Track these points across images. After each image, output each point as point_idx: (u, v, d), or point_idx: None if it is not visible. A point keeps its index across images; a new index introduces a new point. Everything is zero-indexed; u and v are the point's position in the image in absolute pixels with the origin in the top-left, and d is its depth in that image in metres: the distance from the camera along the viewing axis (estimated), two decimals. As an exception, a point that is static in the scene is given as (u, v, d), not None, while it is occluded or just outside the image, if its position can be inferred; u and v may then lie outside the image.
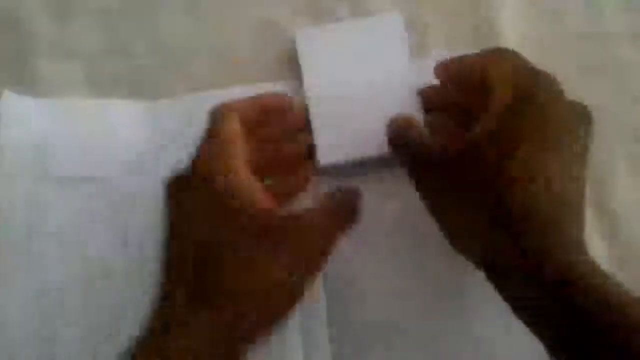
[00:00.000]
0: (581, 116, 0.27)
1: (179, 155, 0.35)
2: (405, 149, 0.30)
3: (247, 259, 0.26)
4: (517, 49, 0.36)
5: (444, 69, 0.32)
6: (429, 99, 0.34)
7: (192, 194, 0.28)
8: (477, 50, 0.36)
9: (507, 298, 0.26)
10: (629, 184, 0.35)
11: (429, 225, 0.28)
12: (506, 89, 0.27)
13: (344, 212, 0.30)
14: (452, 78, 0.32)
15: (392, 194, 0.34)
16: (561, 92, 0.27)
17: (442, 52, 0.36)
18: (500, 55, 0.29)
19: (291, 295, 0.27)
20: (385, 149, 0.33)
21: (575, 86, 0.36)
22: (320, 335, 0.32)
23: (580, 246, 0.25)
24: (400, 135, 0.31)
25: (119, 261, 0.34)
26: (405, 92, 0.34)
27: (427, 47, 0.37)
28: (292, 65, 0.36)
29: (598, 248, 0.34)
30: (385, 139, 0.32)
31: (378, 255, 0.33)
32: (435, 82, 0.33)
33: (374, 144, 0.33)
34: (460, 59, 0.32)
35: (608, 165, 0.35)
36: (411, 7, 0.38)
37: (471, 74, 0.30)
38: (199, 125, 0.36)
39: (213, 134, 0.29)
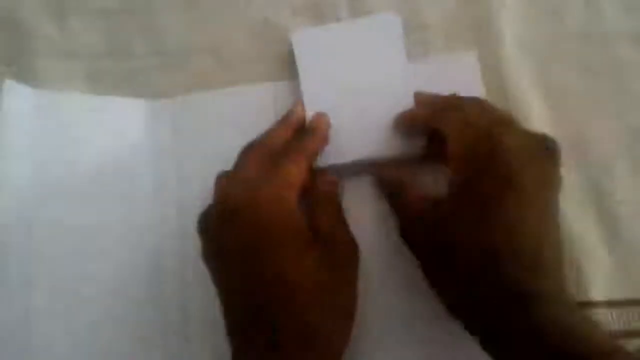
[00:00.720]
0: (540, 147, 0.27)
1: (178, 155, 0.36)
2: (395, 211, 0.32)
3: (312, 290, 0.26)
4: (516, 48, 0.37)
5: (406, 122, 0.33)
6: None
7: (233, 227, 0.27)
8: (476, 50, 0.36)
9: (480, 332, 0.26)
10: (629, 184, 0.35)
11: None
12: (455, 144, 0.27)
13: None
14: (409, 130, 0.33)
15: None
16: (513, 128, 0.27)
17: (441, 55, 0.37)
18: (443, 112, 0.30)
19: (349, 318, 0.28)
20: (380, 152, 0.33)
21: (575, 86, 0.36)
22: None
23: (546, 271, 0.25)
24: (391, 200, 0.33)
25: (115, 256, 0.34)
26: (402, 93, 0.33)
27: (426, 47, 0.37)
28: (292, 66, 0.36)
29: (598, 248, 0.33)
30: (380, 142, 0.32)
31: (373, 254, 0.33)
32: (432, 84, 0.33)
33: (369, 146, 0.33)
34: (412, 113, 0.32)
35: (608, 165, 0.35)
36: (411, 7, 0.38)
37: (424, 127, 0.32)
38: (198, 125, 0.36)
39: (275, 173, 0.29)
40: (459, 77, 0.36)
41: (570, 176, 0.34)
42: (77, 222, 0.34)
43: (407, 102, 0.33)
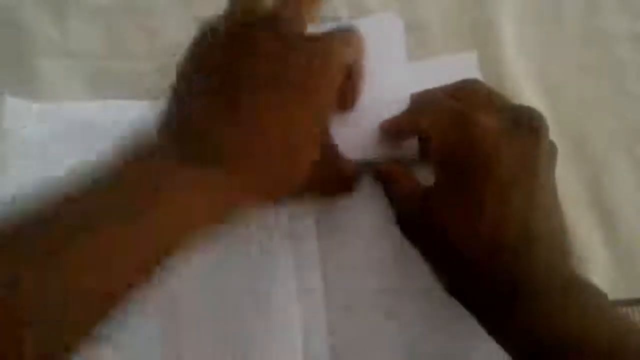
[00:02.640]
0: (519, 125, 0.26)
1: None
2: (390, 201, 0.32)
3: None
4: (516, 49, 0.37)
5: (392, 131, 0.33)
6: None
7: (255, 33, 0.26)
8: (476, 50, 0.37)
9: (481, 316, 0.26)
10: (629, 184, 0.35)
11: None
12: (436, 140, 0.28)
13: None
14: (396, 135, 0.33)
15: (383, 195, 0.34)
16: (491, 109, 0.27)
17: (441, 55, 0.37)
18: (423, 111, 0.30)
19: (314, 144, 0.26)
20: (379, 153, 0.33)
21: (575, 86, 0.36)
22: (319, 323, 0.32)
23: (536, 254, 0.25)
24: (387, 191, 0.33)
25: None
26: (402, 94, 0.33)
27: (426, 48, 0.37)
28: (292, 65, 0.36)
29: (598, 248, 0.34)
30: (379, 143, 0.32)
31: (369, 254, 0.33)
32: (432, 85, 0.33)
33: (368, 147, 0.33)
34: (394, 122, 0.32)
35: (608, 165, 0.35)
36: (411, 7, 0.38)
37: (408, 131, 0.32)
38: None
39: None
40: (459, 77, 0.36)
41: (570, 176, 0.35)
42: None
43: (406, 103, 0.33)
